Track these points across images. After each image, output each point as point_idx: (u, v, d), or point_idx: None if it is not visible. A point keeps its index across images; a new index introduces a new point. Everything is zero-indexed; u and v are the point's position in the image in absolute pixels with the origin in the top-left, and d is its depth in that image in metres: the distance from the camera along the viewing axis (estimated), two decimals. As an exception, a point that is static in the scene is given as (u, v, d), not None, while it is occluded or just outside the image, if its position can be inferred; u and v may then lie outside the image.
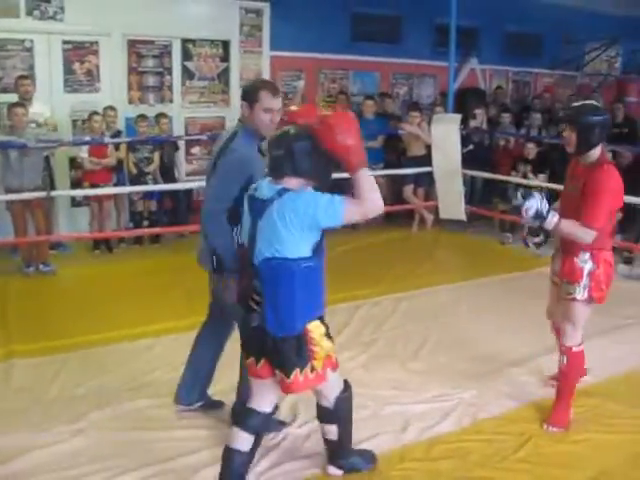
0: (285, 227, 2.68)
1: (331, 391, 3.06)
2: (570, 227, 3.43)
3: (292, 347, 2.77)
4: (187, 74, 8.50)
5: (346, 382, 3.15)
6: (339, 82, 9.79)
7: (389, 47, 9.94)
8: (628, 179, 3.53)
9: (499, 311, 5.61)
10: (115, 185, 7.41)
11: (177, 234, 7.91)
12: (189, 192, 8.03)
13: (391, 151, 8.87)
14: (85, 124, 7.49)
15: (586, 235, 3.40)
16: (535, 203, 3.36)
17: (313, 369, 2.83)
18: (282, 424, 3.62)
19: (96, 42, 7.77)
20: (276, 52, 8.99)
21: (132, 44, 8.07)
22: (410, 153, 8.58)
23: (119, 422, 3.71)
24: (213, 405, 3.82)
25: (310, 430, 3.61)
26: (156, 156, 7.64)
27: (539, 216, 3.37)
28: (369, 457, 3.33)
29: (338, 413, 3.10)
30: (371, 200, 2.72)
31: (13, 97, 6.78)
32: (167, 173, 7.80)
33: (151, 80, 8.30)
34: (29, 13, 7.29)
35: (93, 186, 7.20)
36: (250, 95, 3.28)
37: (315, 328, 2.83)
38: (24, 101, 6.67)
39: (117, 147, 7.39)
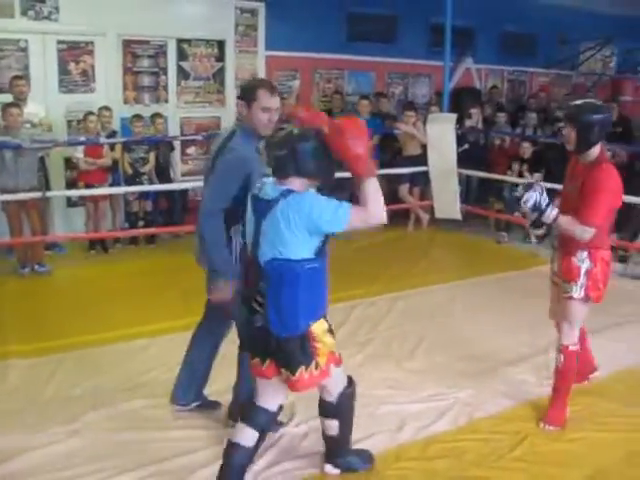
0: (288, 229, 2.69)
1: (335, 386, 3.07)
2: (568, 223, 3.44)
3: (296, 346, 2.79)
4: (182, 74, 8.49)
5: (350, 379, 3.16)
6: (334, 82, 9.79)
7: (384, 47, 9.94)
8: (622, 178, 3.53)
9: (495, 310, 5.62)
10: (110, 185, 7.40)
11: (173, 234, 7.89)
12: (185, 192, 8.02)
13: (387, 151, 8.87)
14: (80, 124, 7.47)
15: (584, 232, 3.41)
16: (534, 195, 3.39)
17: (317, 366, 2.85)
18: (279, 424, 3.62)
19: (91, 42, 7.75)
20: (271, 52, 8.98)
21: (127, 44, 8.05)
22: (406, 153, 8.58)
23: (115, 423, 3.70)
24: (209, 405, 3.82)
25: (307, 429, 3.62)
26: (151, 156, 7.63)
27: (537, 208, 3.40)
28: (366, 457, 3.33)
29: (340, 408, 3.11)
30: (375, 210, 2.74)
31: (8, 97, 6.75)
32: (162, 173, 7.79)
33: (146, 80, 8.29)
34: (24, 13, 7.27)
35: (88, 186, 7.18)
36: (248, 94, 3.27)
37: (318, 326, 2.85)
38: (19, 101, 6.65)
39: (112, 147, 7.38)
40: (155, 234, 7.70)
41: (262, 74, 8.92)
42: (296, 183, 2.77)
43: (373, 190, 2.74)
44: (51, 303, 5.71)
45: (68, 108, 7.70)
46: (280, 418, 3.66)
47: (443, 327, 5.22)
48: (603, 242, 3.61)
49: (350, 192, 2.79)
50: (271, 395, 3.03)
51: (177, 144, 8.30)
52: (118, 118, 7.79)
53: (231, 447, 3.02)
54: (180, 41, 8.39)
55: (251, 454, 3.05)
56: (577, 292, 3.61)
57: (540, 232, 3.54)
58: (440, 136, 8.05)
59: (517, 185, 7.24)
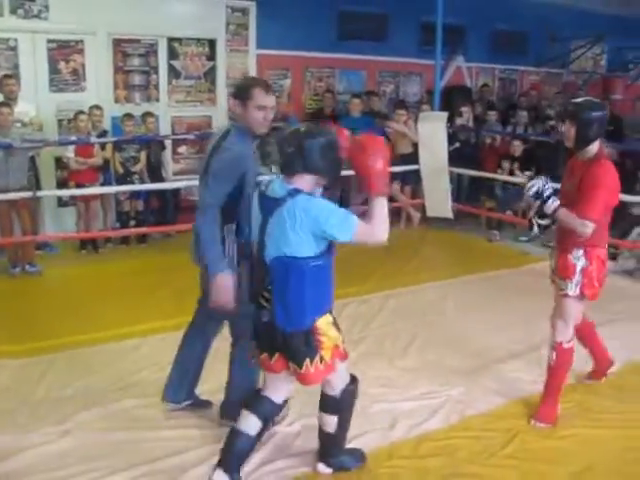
0: (293, 230, 2.73)
1: (339, 381, 3.09)
2: (569, 216, 3.46)
3: (301, 340, 2.84)
4: (173, 73, 8.47)
5: (353, 376, 3.18)
6: (325, 80, 9.78)
7: (375, 45, 9.94)
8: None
9: (487, 308, 5.63)
10: (102, 185, 7.38)
11: (164, 234, 7.88)
12: (176, 191, 8.00)
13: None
14: (71, 123, 7.44)
15: (583, 227, 3.43)
16: (538, 183, 3.48)
17: (322, 360, 2.88)
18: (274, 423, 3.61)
19: (81, 41, 7.72)
20: (262, 51, 8.97)
21: (118, 43, 8.02)
22: (397, 151, 8.57)
23: (107, 422, 3.69)
24: (201, 405, 3.81)
25: (300, 428, 3.62)
26: (142, 155, 7.61)
27: (539, 196, 3.47)
28: (358, 456, 3.33)
29: (342, 404, 3.12)
30: (379, 230, 2.81)
31: (-2, 97, 6.74)
32: (154, 172, 7.77)
33: (137, 79, 8.26)
34: (13, 12, 7.24)
35: (79, 186, 7.15)
36: (243, 93, 3.27)
37: (323, 320, 2.88)
38: (9, 100, 6.64)
39: (103, 147, 7.36)
40: (146, 234, 7.68)
41: (253, 73, 8.92)
42: (303, 181, 2.81)
43: (381, 209, 2.82)
44: (42, 303, 5.69)
45: (58, 107, 7.67)
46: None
47: (435, 325, 5.23)
48: (600, 240, 3.62)
49: (352, 192, 2.84)
50: (277, 388, 3.09)
51: (168, 143, 8.28)
52: (109, 117, 7.77)
53: (234, 434, 3.06)
54: (171, 40, 8.37)
55: (253, 443, 3.08)
56: (572, 289, 3.63)
57: (545, 222, 3.57)
58: (431, 134, 8.06)
59: (508, 183, 7.28)
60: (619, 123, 9.11)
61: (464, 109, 9.01)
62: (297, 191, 2.77)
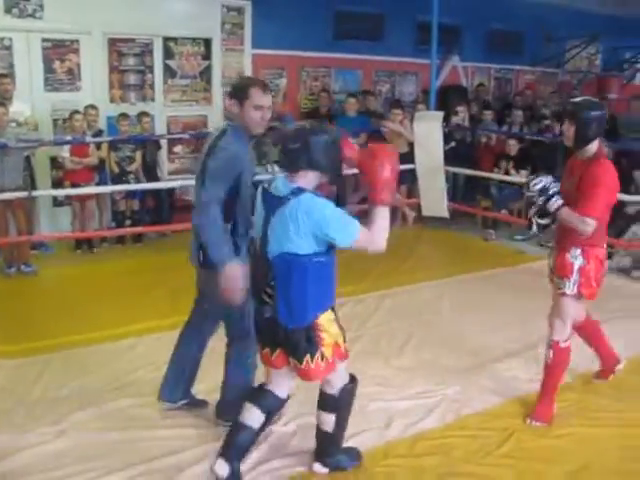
0: (296, 229, 2.75)
1: (338, 380, 3.09)
2: (571, 215, 3.48)
3: (302, 336, 2.86)
4: (169, 72, 8.46)
5: (353, 376, 3.18)
6: (321, 80, 9.78)
7: (371, 45, 9.95)
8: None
9: (483, 307, 5.64)
10: (97, 184, 7.37)
11: (160, 233, 7.88)
12: (172, 191, 8.00)
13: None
14: (66, 123, 7.43)
15: (585, 225, 3.45)
16: (545, 180, 3.56)
17: (323, 357, 2.89)
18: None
19: (76, 40, 7.70)
20: (258, 50, 8.96)
21: (113, 42, 8.01)
22: (392, 151, 8.58)
23: (103, 422, 3.68)
24: (197, 404, 3.81)
25: (296, 428, 3.62)
26: (138, 155, 7.61)
27: (544, 191, 3.53)
28: (354, 455, 3.33)
29: (340, 403, 3.13)
30: (378, 238, 2.86)
31: (-7, 96, 6.72)
32: (149, 172, 7.76)
33: (132, 78, 8.25)
34: (7, 11, 7.22)
35: (74, 186, 7.14)
36: (240, 93, 3.27)
37: (325, 316, 2.91)
38: (4, 100, 6.61)
39: (99, 146, 7.35)
40: (142, 233, 7.67)
41: (249, 72, 8.91)
42: (307, 179, 2.83)
43: (383, 218, 2.87)
44: (38, 303, 5.68)
45: (54, 107, 7.65)
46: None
47: (431, 324, 5.23)
48: (598, 240, 3.64)
49: (350, 189, 2.92)
50: (280, 383, 3.13)
51: (164, 143, 8.27)
52: (104, 117, 7.76)
53: (237, 426, 3.10)
54: (166, 39, 8.36)
55: (255, 436, 3.13)
56: (570, 288, 3.64)
57: (544, 221, 3.61)
58: (427, 134, 8.06)
59: (504, 182, 7.27)
60: (614, 122, 9.12)
61: (460, 108, 9.02)
62: (300, 190, 2.79)
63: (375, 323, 5.25)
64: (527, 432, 3.68)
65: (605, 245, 3.75)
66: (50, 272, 6.56)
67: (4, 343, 4.70)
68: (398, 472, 3.30)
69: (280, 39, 8.88)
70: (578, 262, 3.60)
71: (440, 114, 8.19)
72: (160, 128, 8.38)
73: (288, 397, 3.21)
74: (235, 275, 3.09)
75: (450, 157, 8.25)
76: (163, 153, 8.29)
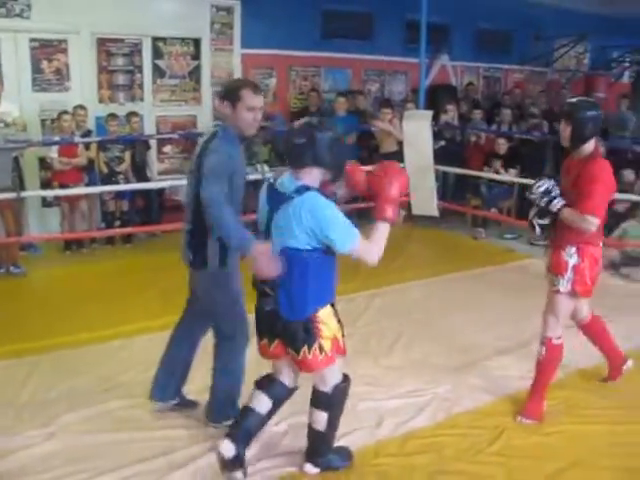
0: (299, 225, 2.79)
1: (332, 377, 3.10)
2: (573, 215, 3.53)
3: (300, 327, 2.90)
4: (158, 72, 8.43)
5: (346, 375, 3.19)
6: (311, 79, 9.78)
7: (360, 44, 9.96)
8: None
9: (473, 306, 5.66)
10: (86, 185, 7.34)
11: (149, 234, 7.86)
12: (161, 191, 7.98)
13: (363, 148, 8.88)
14: (54, 123, 7.40)
15: (589, 224, 3.49)
16: (547, 182, 3.65)
17: (322, 349, 2.93)
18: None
19: (64, 40, 7.67)
20: (247, 50, 8.95)
21: (101, 42, 7.98)
22: (382, 150, 8.59)
23: (93, 424, 3.67)
24: (187, 405, 3.80)
25: (287, 428, 3.62)
26: (127, 155, 7.58)
27: (547, 193, 3.61)
28: (345, 455, 3.33)
29: (333, 400, 3.14)
30: (374, 252, 2.91)
31: (-20, 97, 6.68)
32: (139, 172, 7.74)
33: (121, 79, 8.22)
34: (-5, 11, 7.19)
35: (63, 186, 7.10)
36: (232, 94, 3.26)
37: (324, 310, 2.95)
38: (-8, 100, 6.58)
39: (87, 147, 7.32)
40: (132, 234, 7.65)
41: (238, 72, 8.90)
42: (312, 176, 2.87)
43: (382, 234, 2.93)
44: (26, 304, 5.65)
45: (42, 107, 7.62)
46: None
47: (421, 323, 5.24)
48: (594, 238, 3.67)
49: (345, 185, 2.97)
50: (285, 373, 3.18)
51: (153, 143, 8.24)
52: (93, 117, 7.73)
53: (245, 411, 3.18)
54: (155, 39, 8.33)
55: (262, 421, 3.20)
56: (564, 286, 3.67)
57: (545, 222, 3.66)
58: (416, 133, 8.07)
59: (494, 181, 7.30)
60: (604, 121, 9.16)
61: (449, 107, 9.04)
62: (305, 188, 2.83)
63: (365, 322, 5.25)
64: (517, 430, 3.69)
65: (600, 243, 3.77)
66: (39, 273, 6.54)
67: (-7, 345, 4.68)
68: (389, 471, 3.30)
69: (269, 39, 8.88)
70: (573, 260, 3.63)
71: (429, 113, 8.21)
72: (149, 128, 8.35)
73: (296, 387, 3.25)
74: (264, 251, 2.94)
75: (440, 156, 8.27)
76: (152, 153, 8.27)
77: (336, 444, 3.32)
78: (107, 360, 4.49)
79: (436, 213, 8.21)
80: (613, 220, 7.11)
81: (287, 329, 2.92)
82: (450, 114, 9.02)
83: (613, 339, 4.17)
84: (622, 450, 3.50)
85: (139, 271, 6.46)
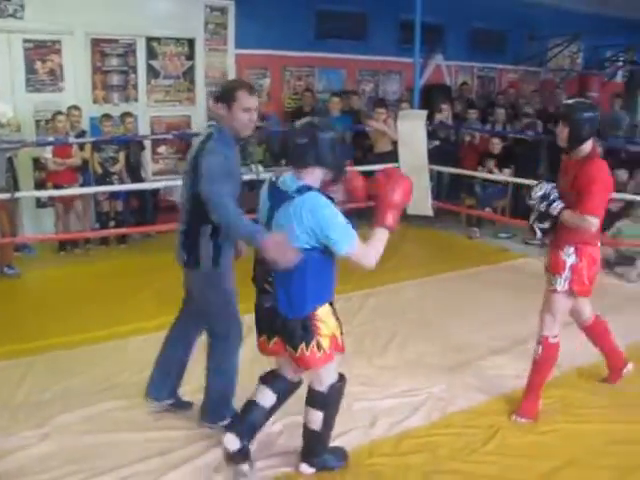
0: (299, 225, 2.80)
1: (328, 376, 3.11)
2: (573, 216, 3.55)
3: (298, 325, 2.91)
4: (152, 73, 8.43)
5: (341, 374, 3.20)
6: (305, 79, 9.79)
7: (354, 44, 9.97)
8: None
9: (467, 305, 5.67)
10: (81, 186, 7.32)
11: (144, 234, 7.85)
12: (156, 192, 7.97)
13: (357, 148, 8.89)
14: (49, 124, 7.38)
15: (589, 224, 3.51)
16: (545, 187, 3.68)
17: (320, 347, 2.94)
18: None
19: (58, 41, 7.65)
20: (241, 50, 8.96)
21: (96, 43, 7.97)
22: (377, 150, 8.60)
23: (89, 425, 3.67)
24: (182, 405, 3.80)
25: (282, 428, 3.62)
26: (121, 156, 7.57)
27: (546, 197, 3.63)
28: (341, 455, 3.34)
29: (329, 400, 3.14)
30: (372, 256, 2.91)
31: (-26, 98, 6.67)
32: (133, 173, 7.73)
33: (115, 79, 8.22)
34: (-12, 12, 7.17)
35: (57, 187, 7.09)
36: (227, 96, 3.26)
37: (323, 309, 2.96)
38: (-15, 102, 6.57)
39: (82, 147, 7.31)
40: (126, 234, 7.63)
41: (232, 72, 8.91)
42: (313, 176, 2.88)
43: (381, 240, 2.95)
44: (21, 306, 5.64)
45: (36, 107, 7.61)
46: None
47: (415, 323, 5.25)
48: (592, 238, 3.69)
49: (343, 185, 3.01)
50: (288, 368, 3.18)
51: (147, 143, 8.24)
52: (87, 118, 7.72)
53: (250, 404, 3.21)
54: (149, 39, 8.33)
55: (266, 415, 3.23)
56: (561, 285, 3.69)
57: (545, 225, 3.69)
58: (411, 133, 8.09)
59: (488, 181, 7.32)
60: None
61: (444, 107, 9.06)
62: (307, 188, 2.84)
63: (359, 322, 5.26)
64: (512, 429, 3.70)
65: (598, 243, 3.80)
66: (34, 274, 6.52)
67: (-13, 346, 4.67)
68: (383, 471, 3.30)
69: (263, 39, 8.88)
70: (571, 260, 3.66)
71: (424, 113, 8.22)
72: (143, 128, 8.35)
73: (300, 381, 3.27)
74: (280, 240, 2.86)
75: (434, 156, 8.29)
76: (147, 154, 8.27)
77: (331, 444, 3.32)
78: (102, 361, 4.49)
79: (430, 213, 8.23)
80: (607, 219, 7.13)
81: (285, 326, 2.93)
82: (444, 114, 9.04)
83: (615, 342, 4.18)
84: (617, 449, 3.51)
85: (133, 272, 6.45)
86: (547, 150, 8.54)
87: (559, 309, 3.76)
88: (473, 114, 9.31)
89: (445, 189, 9.06)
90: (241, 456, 3.18)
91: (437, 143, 8.74)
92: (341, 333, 3.08)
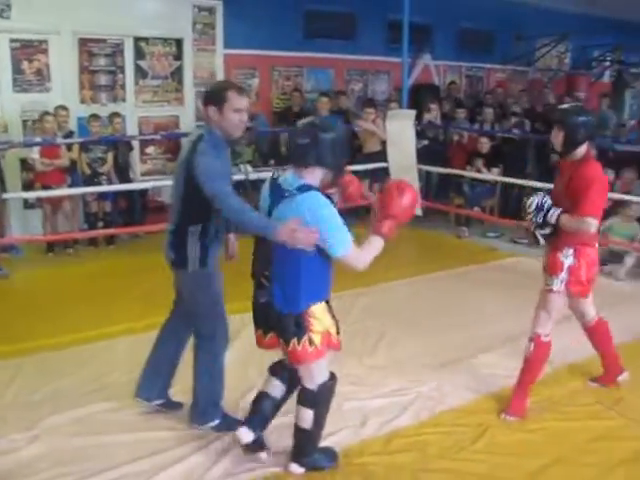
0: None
1: (319, 374, 3.12)
2: (571, 220, 3.58)
3: (292, 320, 2.94)
4: (140, 73, 8.41)
5: (332, 374, 3.21)
6: (293, 79, 9.79)
7: (343, 44, 9.98)
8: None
9: (456, 304, 5.69)
10: (69, 186, 7.29)
11: (132, 235, 7.82)
12: (144, 192, 7.96)
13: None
14: (36, 124, 7.35)
15: (589, 226, 3.54)
16: (537, 198, 3.69)
17: (312, 342, 2.96)
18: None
19: (45, 41, 7.62)
20: (230, 50, 8.96)
21: (83, 42, 7.95)
22: (366, 150, 8.61)
23: (78, 426, 3.65)
24: (172, 406, 3.79)
25: (272, 428, 3.60)
26: (110, 156, 7.55)
27: (540, 208, 3.65)
28: (331, 455, 3.34)
29: (319, 398, 3.15)
30: (366, 260, 2.98)
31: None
32: (121, 173, 7.71)
33: (103, 79, 8.20)
34: (-25, 12, 7.13)
35: (45, 188, 7.06)
36: (217, 97, 3.26)
37: (318, 306, 2.99)
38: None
39: (70, 147, 7.28)
40: (115, 235, 7.61)
41: (220, 72, 8.90)
42: (314, 175, 2.91)
43: (376, 247, 3.01)
44: (9, 307, 5.60)
45: (23, 108, 7.58)
46: (242, 418, 3.69)
47: (405, 322, 5.26)
48: (591, 239, 3.73)
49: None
50: None
51: (136, 144, 8.22)
52: (75, 118, 7.69)
53: (261, 395, 3.28)
54: (137, 39, 8.31)
55: (277, 405, 3.29)
56: (557, 286, 3.72)
57: (546, 232, 3.72)
58: (400, 132, 8.11)
59: (477, 180, 7.33)
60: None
61: (432, 106, 9.08)
62: (307, 187, 2.87)
63: (350, 321, 5.24)
64: (501, 427, 3.72)
65: (596, 244, 3.83)
66: (22, 275, 6.49)
67: (-25, 348, 4.64)
68: (373, 470, 3.31)
69: (252, 39, 8.88)
70: (568, 261, 3.69)
71: (412, 112, 8.24)
72: (131, 129, 8.33)
73: None
74: (291, 228, 2.82)
75: (423, 155, 8.31)
76: (135, 154, 8.25)
77: (322, 444, 3.32)
78: (91, 362, 4.47)
79: (419, 212, 8.23)
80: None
81: (279, 321, 2.97)
82: (433, 113, 9.06)
83: (614, 348, 4.18)
84: (604, 446, 3.54)
85: (122, 272, 6.43)
86: (534, 149, 8.58)
87: (554, 308, 3.78)
88: (461, 113, 9.34)
89: (434, 189, 9.09)
90: (257, 446, 3.28)
91: (426, 143, 8.76)
92: (337, 332, 3.10)
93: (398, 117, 8.25)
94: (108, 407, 3.84)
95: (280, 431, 3.49)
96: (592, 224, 3.54)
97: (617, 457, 3.43)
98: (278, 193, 2.95)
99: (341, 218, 2.89)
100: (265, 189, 3.07)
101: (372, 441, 3.56)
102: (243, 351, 4.37)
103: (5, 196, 6.72)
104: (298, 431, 3.21)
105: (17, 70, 7.52)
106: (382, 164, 8.30)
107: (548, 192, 3.86)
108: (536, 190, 4.26)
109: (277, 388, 3.26)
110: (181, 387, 3.85)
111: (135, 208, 7.86)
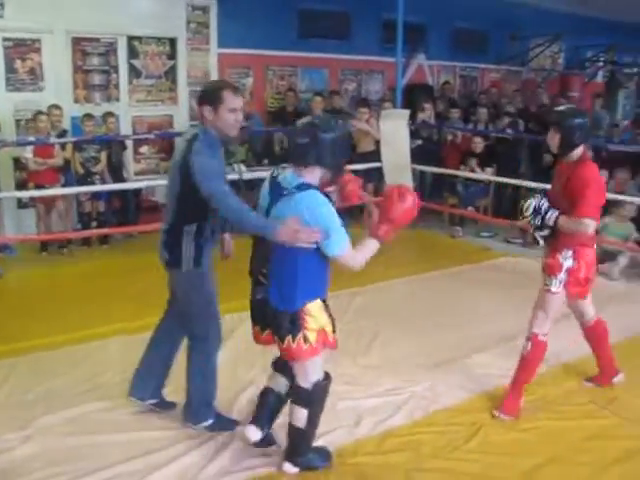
0: None
1: (313, 372, 3.12)
2: (569, 222, 3.60)
3: (287, 317, 2.96)
4: (134, 72, 8.39)
5: (327, 374, 3.21)
6: (287, 79, 9.79)
7: (337, 43, 9.99)
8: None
9: (450, 304, 5.70)
10: (63, 186, 7.27)
11: (126, 234, 7.80)
12: (138, 192, 7.94)
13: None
14: (29, 124, 7.32)
15: (587, 226, 3.56)
16: (534, 201, 3.71)
17: (306, 340, 2.97)
18: (236, 423, 3.61)
19: (38, 39, 7.60)
20: (223, 49, 8.94)
21: (77, 41, 7.92)
22: (360, 149, 8.60)
23: (72, 426, 3.65)
24: (166, 406, 3.79)
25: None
26: (103, 156, 7.53)
27: (538, 211, 3.68)
28: (325, 454, 3.34)
29: (313, 397, 3.15)
30: (361, 260, 3.01)
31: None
32: (115, 173, 7.69)
33: (97, 78, 8.17)
34: (-33, 10, 7.10)
35: (39, 187, 7.04)
36: (212, 97, 3.25)
37: (314, 304, 3.00)
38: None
39: (63, 147, 7.26)
40: (108, 234, 7.59)
41: (214, 72, 8.88)
42: (313, 175, 2.93)
43: (370, 249, 3.04)
44: (2, 306, 5.58)
45: (16, 107, 7.55)
46: (237, 417, 3.69)
47: (400, 321, 5.26)
48: (589, 240, 3.74)
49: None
50: None
51: (129, 143, 8.20)
52: (68, 117, 7.66)
53: (266, 391, 3.32)
54: (131, 38, 8.29)
55: (282, 401, 3.31)
56: (556, 286, 3.74)
57: (545, 233, 3.74)
58: (393, 132, 8.11)
59: (470, 180, 7.35)
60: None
61: (426, 106, 9.09)
62: (307, 185, 2.88)
63: (345, 321, 5.23)
64: (494, 426, 3.72)
65: (594, 245, 3.85)
66: (15, 275, 6.47)
67: (-32, 348, 4.63)
68: (367, 470, 3.32)
69: (246, 38, 8.87)
70: (567, 263, 3.71)
71: (406, 112, 8.25)
72: (125, 128, 8.31)
73: None
74: (291, 228, 2.83)
75: (417, 155, 8.32)
76: (129, 153, 8.23)
77: (316, 443, 3.32)
78: (84, 361, 4.46)
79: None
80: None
81: (275, 318, 2.98)
82: (427, 113, 9.06)
83: (611, 349, 4.20)
84: (598, 445, 3.55)
85: (116, 272, 6.42)
86: (528, 149, 8.60)
87: (552, 308, 3.80)
88: (455, 113, 9.35)
89: (428, 188, 9.08)
90: (265, 443, 3.34)
91: (420, 142, 8.77)
92: (334, 330, 3.10)
93: (392, 117, 8.26)
94: (102, 407, 3.84)
95: (274, 431, 3.49)
96: (590, 225, 3.56)
97: (611, 456, 3.44)
98: (277, 191, 2.97)
99: (339, 218, 2.89)
100: (265, 187, 3.08)
101: (366, 441, 3.56)
102: (236, 351, 4.37)
103: (-2, 195, 6.70)
104: (292, 430, 3.21)
105: (10, 69, 7.49)
106: (376, 164, 8.30)
107: (543, 192, 3.89)
108: (530, 190, 4.27)
109: (281, 383, 3.29)
110: (174, 387, 3.85)
111: (129, 208, 7.84)
